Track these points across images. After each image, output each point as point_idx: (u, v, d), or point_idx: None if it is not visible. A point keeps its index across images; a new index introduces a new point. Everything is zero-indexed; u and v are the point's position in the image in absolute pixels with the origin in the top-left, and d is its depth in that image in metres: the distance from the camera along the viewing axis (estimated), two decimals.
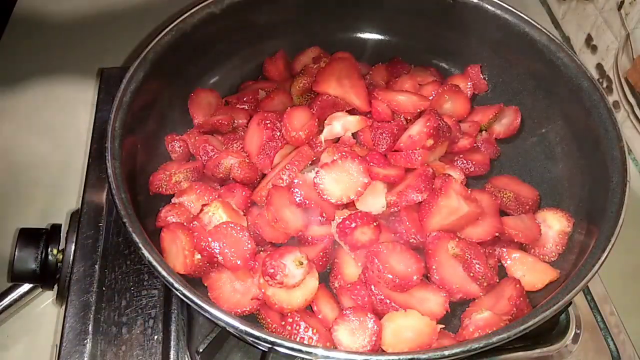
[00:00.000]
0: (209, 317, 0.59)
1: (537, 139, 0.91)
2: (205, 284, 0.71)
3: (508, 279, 0.74)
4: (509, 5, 0.88)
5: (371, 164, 0.79)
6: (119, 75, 0.76)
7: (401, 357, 0.56)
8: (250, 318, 0.70)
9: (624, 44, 1.08)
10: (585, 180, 0.81)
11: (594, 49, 1.20)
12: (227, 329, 0.59)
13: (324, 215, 0.75)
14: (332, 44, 0.98)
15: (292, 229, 0.74)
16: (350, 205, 0.77)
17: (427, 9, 0.94)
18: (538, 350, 0.77)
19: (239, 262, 0.69)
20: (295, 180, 0.75)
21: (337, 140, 0.85)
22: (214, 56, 0.93)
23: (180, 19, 0.82)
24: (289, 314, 0.67)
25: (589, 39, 1.22)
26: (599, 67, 1.18)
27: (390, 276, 0.69)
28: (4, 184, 1.01)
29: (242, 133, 0.87)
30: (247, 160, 0.81)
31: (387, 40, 1.01)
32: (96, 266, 0.78)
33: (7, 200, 0.99)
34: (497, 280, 0.74)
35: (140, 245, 0.62)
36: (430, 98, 0.91)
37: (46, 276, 0.78)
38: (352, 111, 0.88)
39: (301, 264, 0.69)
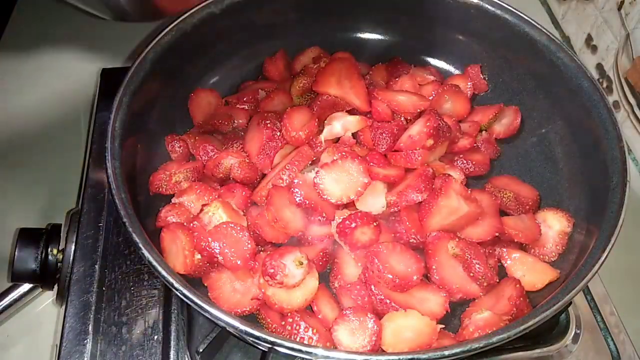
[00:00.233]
0: (209, 317, 0.59)
1: (537, 139, 0.91)
2: (205, 284, 0.71)
3: (508, 279, 0.74)
4: (509, 5, 0.88)
5: (371, 164, 0.79)
6: (119, 75, 0.75)
7: (401, 357, 0.56)
8: (250, 318, 0.70)
9: (624, 44, 1.08)
10: (585, 180, 0.81)
11: (594, 49, 1.20)
12: (227, 329, 0.59)
13: (324, 215, 0.75)
14: (332, 44, 0.98)
15: (292, 229, 0.74)
16: (350, 205, 0.77)
17: (427, 9, 0.94)
18: (538, 350, 0.77)
19: (239, 262, 0.69)
20: (295, 180, 0.75)
21: (337, 140, 0.85)
22: (214, 56, 0.93)
23: (180, 19, 0.82)
24: (289, 314, 0.67)
25: (589, 39, 1.22)
26: (599, 67, 1.18)
27: (390, 276, 0.69)
28: (4, 183, 1.01)
29: (242, 133, 0.87)
30: (247, 160, 0.81)
31: (387, 40, 1.01)
32: (96, 266, 0.78)
33: (7, 200, 0.99)
34: (497, 280, 0.74)
35: (140, 245, 0.62)
36: (430, 98, 0.91)
37: (46, 276, 0.78)
38: (352, 111, 0.87)
39: (301, 264, 0.69)
